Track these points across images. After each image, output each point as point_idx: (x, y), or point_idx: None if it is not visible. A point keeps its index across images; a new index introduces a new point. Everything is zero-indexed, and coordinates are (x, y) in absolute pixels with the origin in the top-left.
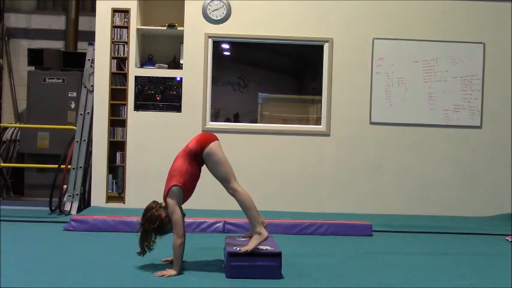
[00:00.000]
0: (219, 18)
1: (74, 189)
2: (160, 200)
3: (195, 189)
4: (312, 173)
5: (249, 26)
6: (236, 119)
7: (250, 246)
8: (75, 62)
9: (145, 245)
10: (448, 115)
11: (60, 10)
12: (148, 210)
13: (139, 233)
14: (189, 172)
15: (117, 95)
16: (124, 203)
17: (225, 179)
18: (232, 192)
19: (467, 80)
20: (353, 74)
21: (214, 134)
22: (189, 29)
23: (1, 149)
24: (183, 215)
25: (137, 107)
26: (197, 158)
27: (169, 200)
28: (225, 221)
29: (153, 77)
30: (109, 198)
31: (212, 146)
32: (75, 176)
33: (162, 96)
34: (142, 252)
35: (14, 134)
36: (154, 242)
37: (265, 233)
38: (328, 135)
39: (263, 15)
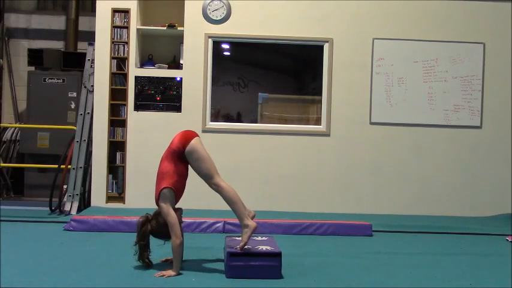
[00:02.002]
0: (219, 18)
1: (74, 189)
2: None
3: (195, 190)
4: (312, 173)
5: (249, 26)
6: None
7: (243, 241)
8: (75, 62)
9: (143, 258)
10: (448, 115)
11: (60, 10)
12: (139, 227)
13: (137, 248)
14: (176, 172)
15: (117, 95)
16: (124, 203)
17: (207, 175)
18: (216, 188)
19: (467, 80)
20: (353, 74)
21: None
22: (189, 29)
23: (1, 149)
24: (181, 211)
25: (137, 107)
26: (181, 156)
27: (162, 204)
28: (225, 221)
29: (153, 77)
30: (109, 198)
31: (193, 144)
32: (75, 176)
33: (162, 96)
34: (146, 265)
35: (14, 134)
36: (150, 255)
37: (252, 224)
38: (328, 135)
39: (263, 15)
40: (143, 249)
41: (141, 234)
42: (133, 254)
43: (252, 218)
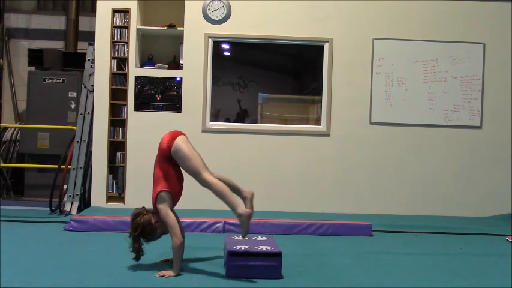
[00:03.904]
0: (219, 18)
1: (74, 189)
2: None
3: (195, 190)
4: (311, 173)
5: (249, 26)
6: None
7: (243, 230)
8: (75, 62)
9: (136, 248)
10: (448, 115)
11: (60, 10)
12: (133, 218)
13: (129, 239)
14: (171, 175)
15: (117, 95)
16: (124, 203)
17: (195, 173)
18: (205, 184)
19: (467, 80)
20: (353, 74)
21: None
22: (189, 29)
23: (1, 149)
24: (175, 215)
25: (137, 107)
26: (170, 158)
27: (160, 206)
28: (225, 221)
29: (153, 77)
30: (109, 198)
31: (176, 144)
32: (75, 176)
33: (162, 96)
34: (137, 257)
35: (14, 134)
36: (142, 246)
37: (246, 212)
38: (328, 135)
39: (263, 15)
40: (135, 240)
41: (134, 225)
42: (128, 247)
43: (252, 196)
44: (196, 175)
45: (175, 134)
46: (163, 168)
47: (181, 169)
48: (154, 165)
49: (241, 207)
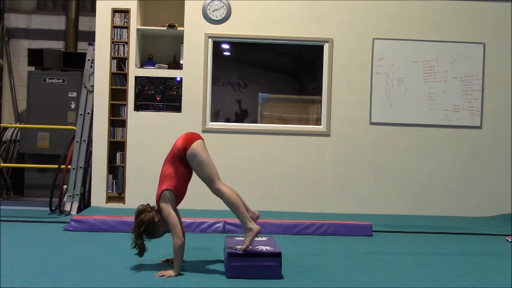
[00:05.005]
0: (219, 18)
1: (74, 189)
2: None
3: (195, 190)
4: (311, 173)
5: (249, 26)
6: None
7: (245, 244)
8: (75, 62)
9: (139, 245)
10: (448, 115)
11: (60, 10)
12: (138, 214)
13: (132, 235)
14: (178, 175)
15: (117, 95)
16: (124, 203)
17: (208, 180)
18: (217, 193)
19: (467, 80)
20: (353, 74)
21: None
22: (189, 29)
23: (1, 149)
24: (178, 215)
25: (137, 107)
26: (183, 159)
27: (162, 204)
28: (225, 221)
29: (153, 77)
30: (109, 198)
31: (194, 147)
32: (75, 176)
33: (162, 96)
34: (140, 253)
35: (14, 134)
36: (145, 242)
37: (255, 228)
38: (328, 135)
39: (263, 15)
40: (138, 236)
41: (138, 222)
42: (131, 243)
43: (257, 218)
44: (210, 183)
45: (193, 137)
46: (172, 167)
47: (190, 172)
48: (163, 162)
49: (252, 222)
